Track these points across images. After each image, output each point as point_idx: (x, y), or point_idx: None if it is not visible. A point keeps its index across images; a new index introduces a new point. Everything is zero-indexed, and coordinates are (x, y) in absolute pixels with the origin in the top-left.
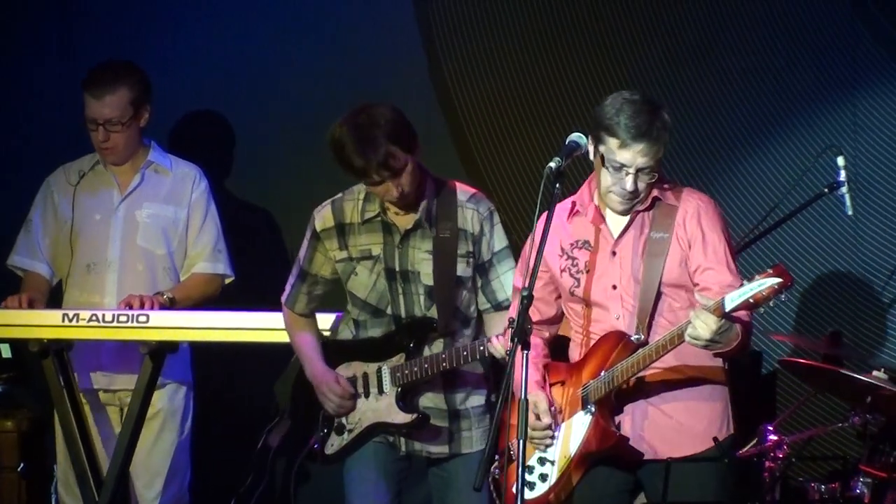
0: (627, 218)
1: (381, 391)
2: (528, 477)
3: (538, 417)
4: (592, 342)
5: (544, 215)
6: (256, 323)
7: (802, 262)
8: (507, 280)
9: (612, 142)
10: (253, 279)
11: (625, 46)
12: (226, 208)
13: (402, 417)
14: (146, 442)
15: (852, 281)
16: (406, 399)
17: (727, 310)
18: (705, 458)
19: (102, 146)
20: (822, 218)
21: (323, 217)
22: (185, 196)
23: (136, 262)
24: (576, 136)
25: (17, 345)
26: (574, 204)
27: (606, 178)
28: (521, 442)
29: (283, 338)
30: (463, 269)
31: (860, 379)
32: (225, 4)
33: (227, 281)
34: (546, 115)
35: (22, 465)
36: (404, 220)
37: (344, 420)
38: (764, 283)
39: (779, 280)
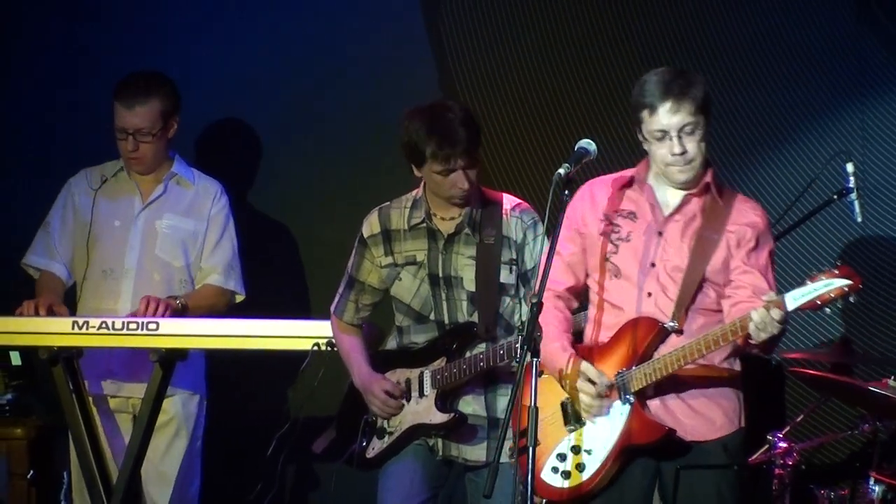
0: (679, 201)
1: (421, 394)
2: (560, 465)
3: (591, 382)
4: (611, 315)
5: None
6: (267, 331)
7: (811, 268)
8: None
9: (644, 113)
10: (266, 290)
11: (635, 56)
12: (243, 219)
13: (439, 417)
14: (159, 448)
15: (862, 287)
16: (445, 400)
17: (789, 308)
18: (717, 464)
19: (130, 156)
20: (832, 224)
21: (370, 224)
22: (204, 210)
23: (153, 271)
24: (585, 143)
25: (26, 352)
26: (632, 178)
27: (657, 151)
28: (532, 449)
29: (294, 345)
30: (506, 275)
31: (869, 388)
32: (244, 21)
33: (238, 299)
34: (556, 123)
35: (31, 472)
36: (448, 226)
37: (385, 424)
38: (831, 284)
39: (847, 282)
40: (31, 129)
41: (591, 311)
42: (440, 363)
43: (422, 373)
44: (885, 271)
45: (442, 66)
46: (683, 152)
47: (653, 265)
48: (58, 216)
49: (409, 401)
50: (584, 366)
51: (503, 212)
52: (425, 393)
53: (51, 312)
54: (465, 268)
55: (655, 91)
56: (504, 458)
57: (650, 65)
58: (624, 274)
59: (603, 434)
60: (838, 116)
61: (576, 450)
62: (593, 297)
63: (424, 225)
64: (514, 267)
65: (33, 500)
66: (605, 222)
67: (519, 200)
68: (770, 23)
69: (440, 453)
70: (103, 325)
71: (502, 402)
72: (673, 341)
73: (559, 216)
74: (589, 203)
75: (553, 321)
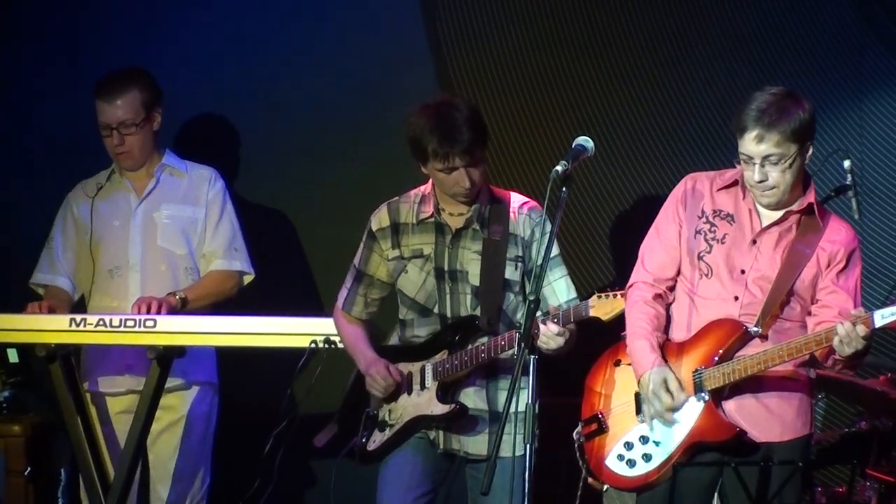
0: (780, 214)
1: (423, 387)
2: (626, 453)
3: (672, 396)
4: (696, 313)
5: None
6: (265, 328)
7: None
8: (558, 287)
9: (737, 134)
10: (265, 282)
11: (634, 52)
12: (241, 216)
13: (440, 409)
14: (170, 445)
15: None
16: (446, 392)
17: (876, 325)
18: (785, 460)
19: (117, 150)
20: None
21: (379, 218)
22: (201, 196)
23: (158, 262)
24: (582, 140)
25: (24, 349)
26: (737, 181)
27: (744, 172)
28: (529, 447)
29: (292, 343)
30: (511, 272)
31: (866, 385)
32: (233, 10)
33: (248, 279)
34: (553, 120)
35: (29, 469)
36: (456, 220)
37: (386, 416)
38: None
39: None
40: (31, 130)
41: (676, 306)
42: (442, 356)
43: (423, 366)
44: (883, 268)
45: (439, 63)
46: (763, 181)
47: (742, 272)
48: (59, 232)
49: (410, 394)
50: (669, 376)
51: (511, 210)
52: (427, 385)
53: (51, 314)
54: (471, 262)
55: (748, 115)
56: (504, 454)
57: (649, 62)
58: (715, 274)
59: (674, 428)
60: (836, 113)
61: (644, 440)
62: (680, 293)
63: (433, 219)
64: (519, 264)
65: (31, 497)
66: (702, 219)
67: (527, 199)
68: (771, 20)
69: (441, 446)
70: (101, 323)
71: (503, 395)
72: (754, 345)
73: (556, 213)
74: (690, 198)
75: (643, 317)
